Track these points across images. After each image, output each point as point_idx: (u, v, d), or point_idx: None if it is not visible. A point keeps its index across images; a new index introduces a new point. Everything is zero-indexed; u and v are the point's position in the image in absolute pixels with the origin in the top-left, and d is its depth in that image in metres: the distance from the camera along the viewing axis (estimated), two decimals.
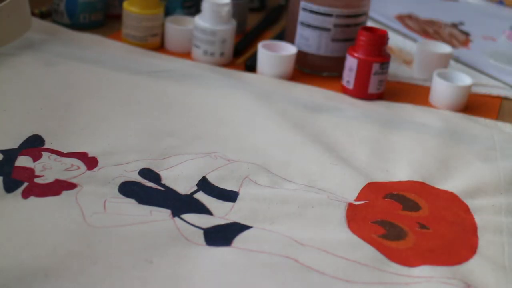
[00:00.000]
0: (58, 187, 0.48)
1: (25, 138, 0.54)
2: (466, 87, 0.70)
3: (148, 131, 0.58)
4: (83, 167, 0.51)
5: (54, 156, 0.52)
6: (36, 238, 0.42)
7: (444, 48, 0.79)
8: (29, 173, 0.49)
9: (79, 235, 0.43)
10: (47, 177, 0.49)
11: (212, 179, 0.52)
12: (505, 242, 0.49)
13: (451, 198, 0.54)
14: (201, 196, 0.50)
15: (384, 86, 0.72)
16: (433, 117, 0.67)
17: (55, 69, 0.66)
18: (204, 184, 0.51)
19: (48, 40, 0.73)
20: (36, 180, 0.48)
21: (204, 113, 0.62)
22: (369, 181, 0.54)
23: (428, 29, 0.94)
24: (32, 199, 0.46)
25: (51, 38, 0.73)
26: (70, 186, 0.48)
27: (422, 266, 0.45)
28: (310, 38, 0.74)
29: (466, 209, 0.52)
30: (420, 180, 0.55)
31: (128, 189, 0.49)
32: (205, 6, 0.74)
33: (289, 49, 0.74)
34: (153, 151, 0.55)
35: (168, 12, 0.82)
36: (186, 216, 0.47)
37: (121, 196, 0.48)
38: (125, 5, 0.76)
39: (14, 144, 0.53)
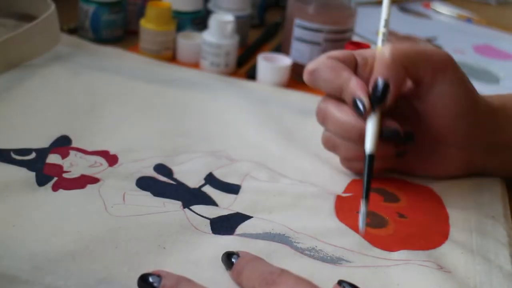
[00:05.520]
0: (83, 181, 0.48)
1: (55, 138, 0.53)
2: None
3: (162, 132, 0.57)
4: (105, 163, 0.51)
5: (80, 154, 0.52)
6: (64, 226, 0.42)
7: None
8: (58, 169, 0.49)
9: (102, 223, 0.43)
10: (74, 173, 0.49)
11: (217, 175, 0.52)
12: (473, 229, 0.48)
13: (427, 192, 0.53)
14: (208, 189, 0.49)
15: None
16: None
17: (80, 78, 0.66)
18: (210, 179, 0.51)
19: (75, 52, 0.72)
20: (64, 175, 0.48)
21: (211, 116, 0.62)
22: (354, 178, 0.54)
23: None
24: (61, 192, 0.46)
25: (78, 51, 0.73)
26: (94, 180, 0.48)
27: (401, 251, 0.45)
28: (303, 51, 0.74)
29: (439, 201, 0.52)
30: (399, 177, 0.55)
31: (144, 183, 0.49)
32: (211, 23, 0.74)
33: (285, 61, 0.74)
34: (166, 149, 0.54)
35: (179, 28, 0.81)
36: (195, 208, 0.47)
37: (138, 189, 0.48)
38: (142, 22, 0.76)
39: (45, 143, 0.52)
